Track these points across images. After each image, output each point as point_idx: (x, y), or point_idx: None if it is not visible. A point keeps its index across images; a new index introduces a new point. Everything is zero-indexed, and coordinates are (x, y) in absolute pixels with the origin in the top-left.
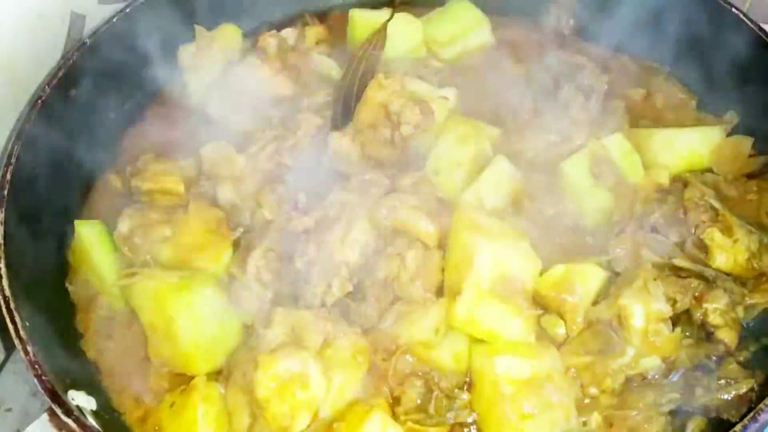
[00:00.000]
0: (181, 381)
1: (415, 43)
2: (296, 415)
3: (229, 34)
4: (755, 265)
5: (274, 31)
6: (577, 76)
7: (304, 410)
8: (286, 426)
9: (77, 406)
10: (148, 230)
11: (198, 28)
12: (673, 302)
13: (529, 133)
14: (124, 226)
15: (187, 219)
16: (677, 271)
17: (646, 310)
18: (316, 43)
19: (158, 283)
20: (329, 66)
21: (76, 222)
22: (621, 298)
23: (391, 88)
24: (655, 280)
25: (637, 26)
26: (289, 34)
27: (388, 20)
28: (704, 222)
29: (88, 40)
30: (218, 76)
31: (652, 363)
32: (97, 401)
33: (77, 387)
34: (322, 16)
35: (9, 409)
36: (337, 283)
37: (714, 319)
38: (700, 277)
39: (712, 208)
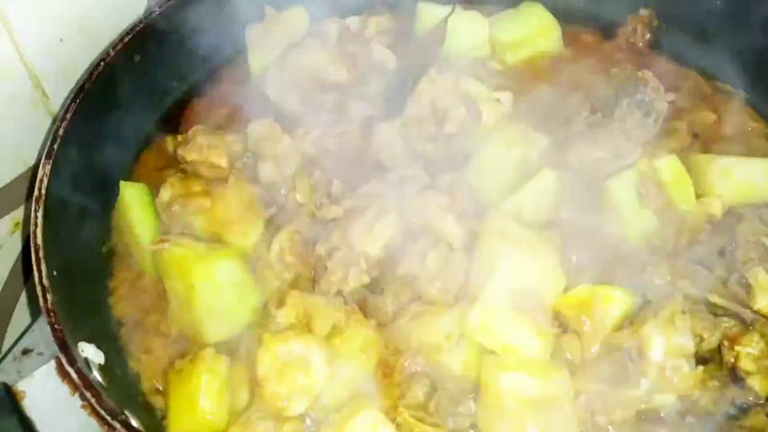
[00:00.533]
0: (194, 348)
1: (478, 42)
2: (293, 398)
3: (297, 17)
4: None
5: (337, 18)
6: (638, 92)
7: (301, 395)
8: (282, 408)
9: (85, 359)
10: (187, 200)
11: (268, 9)
12: (700, 339)
13: (580, 145)
14: (165, 194)
15: (225, 193)
16: (713, 308)
17: (667, 343)
18: (378, 33)
19: (185, 250)
20: (387, 57)
21: (121, 183)
22: (644, 327)
23: (443, 85)
24: (683, 313)
25: (717, 47)
26: (352, 21)
27: (449, 15)
28: (752, 260)
29: (158, 9)
30: (278, 57)
31: (666, 400)
32: (111, 357)
33: (93, 340)
34: (391, 6)
35: (41, 353)
36: (353, 273)
37: (746, 364)
38: (737, 317)
39: (764, 246)
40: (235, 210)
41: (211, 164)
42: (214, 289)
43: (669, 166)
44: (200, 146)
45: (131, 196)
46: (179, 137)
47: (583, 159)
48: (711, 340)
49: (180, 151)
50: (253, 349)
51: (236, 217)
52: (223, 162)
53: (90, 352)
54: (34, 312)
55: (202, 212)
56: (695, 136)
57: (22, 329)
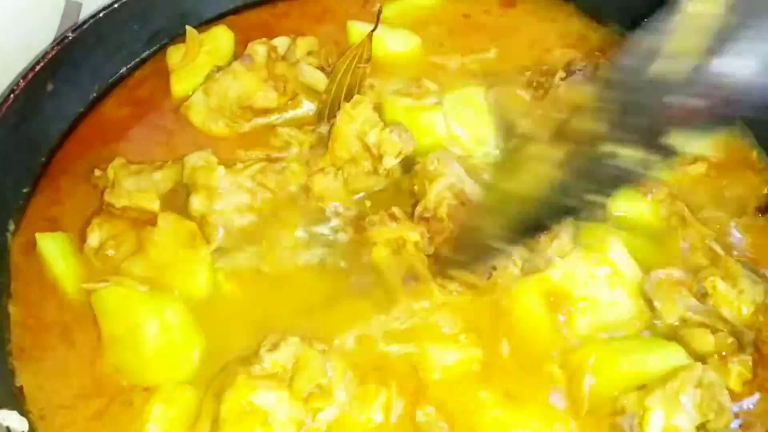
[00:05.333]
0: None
1: (410, 60)
2: None
3: (221, 38)
4: (761, 318)
5: (264, 39)
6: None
7: None
8: None
9: (7, 428)
10: (119, 241)
11: (189, 29)
12: (705, 421)
13: None
14: (93, 238)
15: (157, 233)
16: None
17: (666, 420)
18: (308, 54)
19: (127, 289)
20: (318, 79)
21: (38, 234)
22: (649, 396)
23: (362, 117)
24: (698, 387)
25: None
26: (279, 42)
27: (372, 31)
28: (705, 268)
29: (70, 35)
30: (203, 81)
31: None
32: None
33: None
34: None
35: None
36: None
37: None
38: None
39: (712, 250)
40: (173, 252)
41: (142, 209)
42: (162, 328)
43: None
44: (129, 192)
45: (50, 248)
46: (97, 171)
47: None
48: (717, 424)
49: (107, 198)
50: (225, 386)
51: (176, 259)
52: (155, 205)
53: (13, 421)
54: None
55: (137, 255)
56: None
57: None
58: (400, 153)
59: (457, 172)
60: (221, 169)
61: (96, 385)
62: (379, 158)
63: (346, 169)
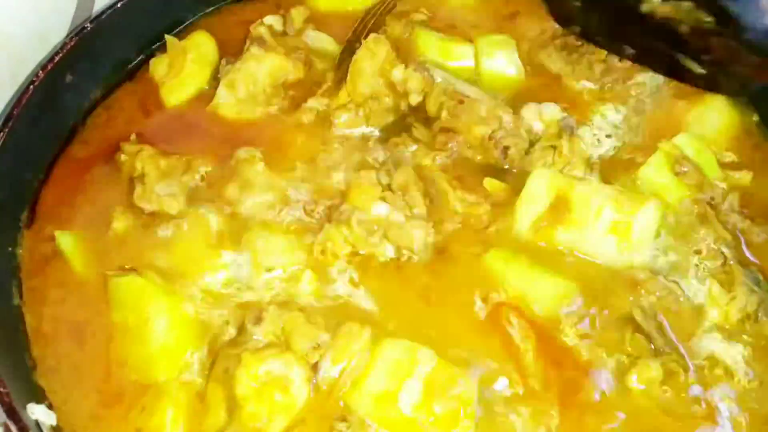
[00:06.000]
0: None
1: None
2: (272, 417)
3: (203, 44)
4: (747, 328)
5: (259, 20)
6: None
7: (280, 414)
8: (261, 428)
9: (36, 421)
10: (144, 232)
11: (169, 39)
12: None
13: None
14: (119, 225)
15: (182, 233)
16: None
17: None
18: (305, 22)
19: (145, 281)
20: (327, 41)
21: (57, 232)
22: None
23: (383, 55)
24: None
25: None
26: (271, 20)
27: None
28: (710, 269)
29: (89, 25)
30: (205, 84)
31: None
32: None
33: (36, 395)
34: None
35: None
36: None
37: None
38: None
39: (722, 254)
40: (197, 248)
41: (169, 206)
42: (170, 326)
43: (687, 141)
44: (158, 196)
45: (69, 244)
46: (123, 157)
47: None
48: None
49: (136, 201)
50: (232, 369)
51: (199, 255)
52: (175, 212)
53: (40, 414)
54: None
55: (161, 246)
56: None
57: None
58: (423, 89)
59: (443, 75)
60: (261, 164)
61: (107, 382)
62: (404, 95)
63: (368, 105)
